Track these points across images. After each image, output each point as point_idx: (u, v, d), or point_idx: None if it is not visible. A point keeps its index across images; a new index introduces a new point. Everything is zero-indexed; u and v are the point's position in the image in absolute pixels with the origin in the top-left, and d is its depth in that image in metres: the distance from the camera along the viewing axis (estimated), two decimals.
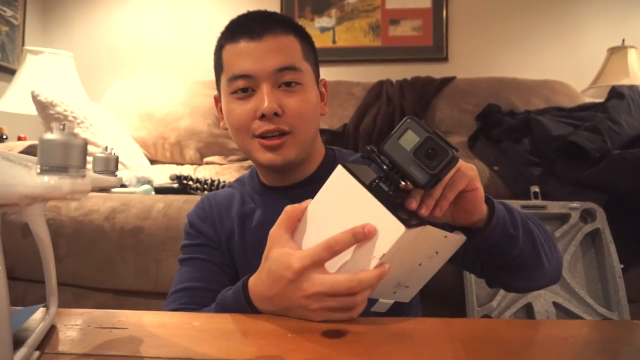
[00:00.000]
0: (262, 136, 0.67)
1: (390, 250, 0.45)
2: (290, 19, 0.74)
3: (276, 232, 0.51)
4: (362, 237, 0.45)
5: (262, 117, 0.66)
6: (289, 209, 0.51)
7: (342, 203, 0.48)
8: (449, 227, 0.54)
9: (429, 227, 0.47)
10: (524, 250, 0.59)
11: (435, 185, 0.46)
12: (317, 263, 0.47)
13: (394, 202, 0.46)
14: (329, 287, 0.46)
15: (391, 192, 0.46)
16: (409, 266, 0.51)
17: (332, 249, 0.46)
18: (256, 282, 0.52)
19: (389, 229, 0.44)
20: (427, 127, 0.45)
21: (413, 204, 0.47)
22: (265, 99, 0.65)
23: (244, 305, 0.52)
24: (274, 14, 0.72)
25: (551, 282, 0.68)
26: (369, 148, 0.47)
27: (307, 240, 0.50)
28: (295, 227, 0.51)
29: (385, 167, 0.46)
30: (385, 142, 0.46)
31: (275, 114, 0.66)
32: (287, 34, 0.69)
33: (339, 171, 0.48)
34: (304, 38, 0.72)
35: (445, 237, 0.51)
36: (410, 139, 0.45)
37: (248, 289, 0.53)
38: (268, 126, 0.66)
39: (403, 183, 0.46)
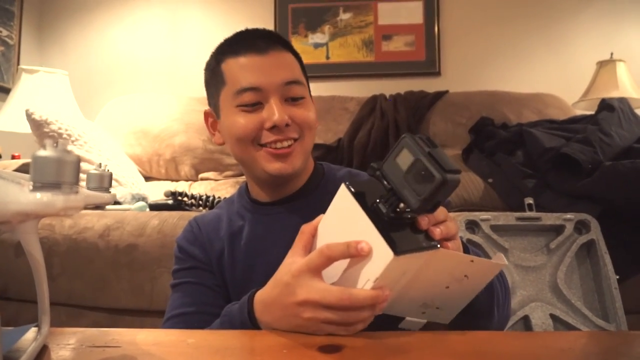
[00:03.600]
0: (271, 145, 0.69)
1: (382, 275, 0.43)
2: (286, 39, 0.77)
3: (292, 248, 0.52)
4: (354, 251, 0.44)
5: (272, 128, 0.68)
6: (304, 227, 0.53)
7: (345, 223, 0.48)
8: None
9: (442, 251, 0.45)
10: (479, 299, 0.56)
11: (432, 210, 0.44)
12: (313, 269, 0.47)
13: (396, 225, 0.44)
14: (321, 295, 0.46)
15: (392, 213, 0.44)
16: (431, 288, 0.49)
17: (325, 255, 0.46)
18: (262, 292, 0.53)
19: (381, 253, 0.43)
20: (426, 144, 0.42)
21: (423, 224, 0.45)
22: (275, 111, 0.67)
23: (245, 317, 0.53)
24: (273, 32, 0.76)
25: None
26: (374, 166, 0.45)
27: None
28: (310, 244, 0.52)
29: (386, 187, 0.44)
30: (384, 160, 0.44)
31: (286, 125, 0.68)
32: (287, 51, 0.73)
33: (342, 191, 0.48)
34: (298, 57, 0.76)
35: (472, 261, 0.48)
36: (405, 159, 0.43)
37: (253, 300, 0.54)
38: (278, 136, 0.68)
39: (403, 205, 0.43)
